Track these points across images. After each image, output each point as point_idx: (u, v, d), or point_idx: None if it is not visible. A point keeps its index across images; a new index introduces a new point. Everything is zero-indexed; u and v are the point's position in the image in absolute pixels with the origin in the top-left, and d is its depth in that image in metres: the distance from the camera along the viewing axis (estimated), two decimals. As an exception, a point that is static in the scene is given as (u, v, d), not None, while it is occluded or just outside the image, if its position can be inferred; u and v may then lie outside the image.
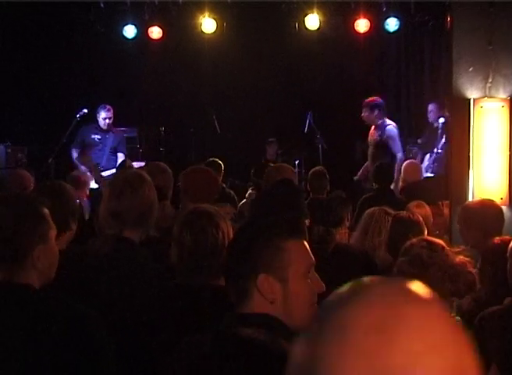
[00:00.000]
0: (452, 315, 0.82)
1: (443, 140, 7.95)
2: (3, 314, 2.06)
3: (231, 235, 2.68)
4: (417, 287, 0.81)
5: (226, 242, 2.64)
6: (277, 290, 1.84)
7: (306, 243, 1.93)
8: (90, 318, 2.09)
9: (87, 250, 3.10)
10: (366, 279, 0.84)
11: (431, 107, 8.73)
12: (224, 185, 7.00)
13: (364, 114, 7.90)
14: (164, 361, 2.17)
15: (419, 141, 9.07)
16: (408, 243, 2.93)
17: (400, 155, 7.82)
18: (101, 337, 2.08)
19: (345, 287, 0.83)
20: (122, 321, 2.73)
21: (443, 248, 2.84)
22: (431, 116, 8.72)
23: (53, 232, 2.17)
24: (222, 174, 6.88)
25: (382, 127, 7.87)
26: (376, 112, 7.87)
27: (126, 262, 2.94)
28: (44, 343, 2.01)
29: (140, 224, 3.05)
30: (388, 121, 7.93)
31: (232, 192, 6.85)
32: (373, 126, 7.97)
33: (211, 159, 7.06)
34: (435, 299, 0.81)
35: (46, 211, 2.16)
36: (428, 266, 2.74)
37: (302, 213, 3.35)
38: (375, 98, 7.97)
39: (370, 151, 7.98)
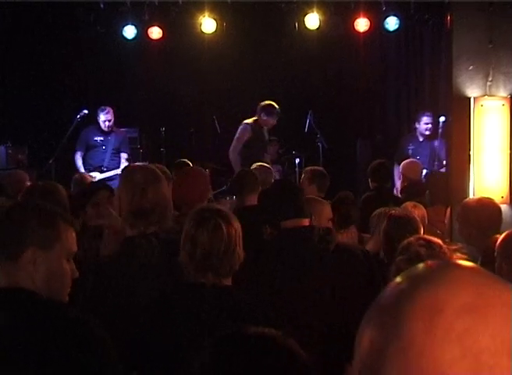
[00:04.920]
0: None
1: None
2: None
3: (240, 234, 2.66)
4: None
5: (238, 241, 2.63)
6: None
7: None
8: (85, 323, 2.02)
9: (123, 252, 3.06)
10: (433, 262, 0.85)
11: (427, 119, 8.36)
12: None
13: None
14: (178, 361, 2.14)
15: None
16: (406, 241, 2.95)
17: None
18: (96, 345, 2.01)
19: (414, 272, 0.84)
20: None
21: (441, 246, 2.87)
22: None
23: (61, 246, 2.08)
24: None
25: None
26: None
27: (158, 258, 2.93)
28: (30, 349, 1.94)
29: (162, 219, 3.03)
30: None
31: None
32: None
33: (180, 160, 6.68)
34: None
35: (60, 221, 2.09)
36: None
37: (301, 212, 3.34)
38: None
39: None
